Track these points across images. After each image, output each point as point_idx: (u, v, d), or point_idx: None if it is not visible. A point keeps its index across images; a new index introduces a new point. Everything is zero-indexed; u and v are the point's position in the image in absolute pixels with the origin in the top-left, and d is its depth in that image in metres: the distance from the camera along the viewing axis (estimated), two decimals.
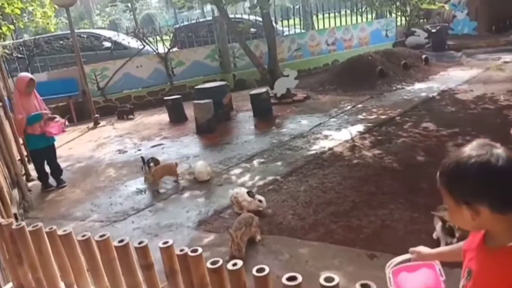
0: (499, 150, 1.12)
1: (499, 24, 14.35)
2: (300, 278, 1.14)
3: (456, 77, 9.65)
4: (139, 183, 5.32)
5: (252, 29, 12.06)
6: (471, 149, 1.16)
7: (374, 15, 15.22)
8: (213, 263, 1.26)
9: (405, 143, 5.55)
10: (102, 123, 8.96)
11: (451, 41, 13.71)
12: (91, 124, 8.88)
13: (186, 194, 4.79)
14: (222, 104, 7.97)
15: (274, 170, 5.20)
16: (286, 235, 3.64)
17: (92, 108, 9.09)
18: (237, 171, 5.37)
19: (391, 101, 8.10)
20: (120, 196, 5.00)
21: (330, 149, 5.68)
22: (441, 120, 6.37)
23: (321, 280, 1.09)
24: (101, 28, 26.45)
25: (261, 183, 4.86)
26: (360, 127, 6.57)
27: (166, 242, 1.40)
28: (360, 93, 8.97)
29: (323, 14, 13.59)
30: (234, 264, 1.23)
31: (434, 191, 4.16)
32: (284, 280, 1.14)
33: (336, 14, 13.38)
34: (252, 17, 12.68)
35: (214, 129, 7.26)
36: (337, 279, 1.08)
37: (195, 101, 7.51)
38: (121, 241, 1.44)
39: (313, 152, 5.66)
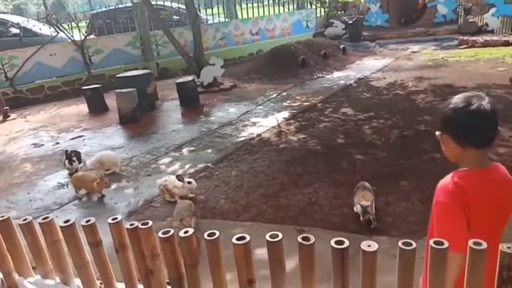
0: (475, 101, 1.41)
1: (407, 17, 15.61)
2: (248, 238, 1.23)
3: (370, 66, 10.37)
4: (60, 177, 5.03)
5: (175, 17, 11.83)
6: (457, 97, 1.47)
7: (295, 5, 15.72)
8: (164, 233, 1.31)
9: (327, 127, 5.88)
10: (13, 115, 8.26)
11: (366, 32, 14.64)
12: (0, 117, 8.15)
13: (113, 186, 4.63)
14: (147, 93, 7.77)
15: (205, 157, 5.23)
16: (219, 218, 3.71)
17: (1, 99, 8.32)
18: (166, 160, 5.31)
19: (313, 89, 8.48)
20: (39, 191, 4.70)
21: (258, 135, 5.84)
22: (358, 106, 6.83)
23: (267, 237, 1.19)
24: (4, 13, 24.08)
25: (192, 170, 4.86)
26: (285, 114, 6.82)
27: (115, 218, 1.40)
28: (284, 82, 9.27)
29: (247, 4, 13.73)
30: (186, 232, 1.29)
31: (353, 170, 4.49)
32: (234, 240, 1.22)
33: (259, 4, 13.59)
34: (174, 4, 12.42)
35: (139, 119, 7.07)
36: (280, 235, 1.19)
37: (118, 90, 7.23)
38: (67, 221, 1.43)
39: (242, 138, 5.77)
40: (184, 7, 10.40)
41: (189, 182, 4.08)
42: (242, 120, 6.67)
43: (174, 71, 10.92)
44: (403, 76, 8.77)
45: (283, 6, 15.13)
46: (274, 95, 8.24)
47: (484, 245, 1.06)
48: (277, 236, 1.23)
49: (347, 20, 14.92)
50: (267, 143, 5.48)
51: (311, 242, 1.22)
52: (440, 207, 1.44)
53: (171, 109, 7.78)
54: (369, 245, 1.15)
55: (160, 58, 11.23)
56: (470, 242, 1.07)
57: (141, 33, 10.95)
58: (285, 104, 7.51)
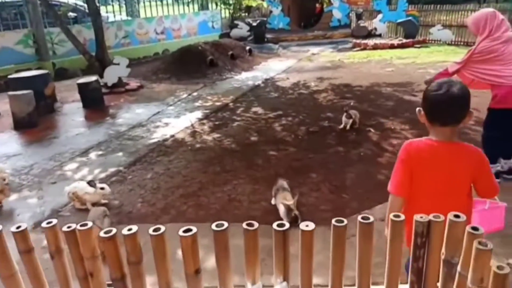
0: (445, 87, 1.73)
1: (306, 21, 16.56)
2: (195, 229, 1.27)
3: (275, 67, 10.82)
4: None
5: (71, 14, 11.07)
6: (435, 82, 1.81)
7: (199, 5, 15.71)
8: (106, 232, 1.31)
9: (240, 126, 6.03)
10: None
11: (269, 34, 15.20)
12: None
13: (14, 197, 4.22)
14: (44, 95, 7.16)
15: (116, 161, 5.01)
16: (137, 222, 3.60)
17: None
18: (72, 166, 4.98)
19: (223, 89, 8.60)
20: None
21: (172, 136, 5.77)
22: (267, 105, 7.11)
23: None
24: None
25: (103, 175, 4.63)
26: (198, 114, 6.83)
27: (50, 222, 1.34)
28: (193, 82, 9.25)
29: (150, 2, 13.38)
30: (129, 229, 1.27)
31: (268, 165, 4.67)
32: (181, 233, 1.24)
33: (162, 2, 13.33)
34: (71, 1, 11.61)
35: (36, 123, 6.50)
36: (226, 225, 1.25)
37: (10, 93, 6.56)
38: None
39: (155, 140, 5.65)
40: (81, 3, 9.78)
41: (102, 188, 3.89)
42: (153, 121, 6.52)
43: (73, 71, 10.22)
44: (305, 76, 9.32)
45: (187, 5, 15.04)
46: (185, 95, 8.18)
47: (402, 217, 1.23)
48: (223, 225, 1.28)
49: (251, 22, 15.35)
50: (182, 144, 5.45)
51: (255, 227, 1.30)
52: (397, 159, 1.88)
53: (73, 112, 7.29)
54: (307, 225, 1.27)
55: (57, 58, 10.42)
56: (391, 215, 1.25)
57: (34, 30, 10.03)
58: (196, 104, 7.51)
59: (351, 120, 5.50)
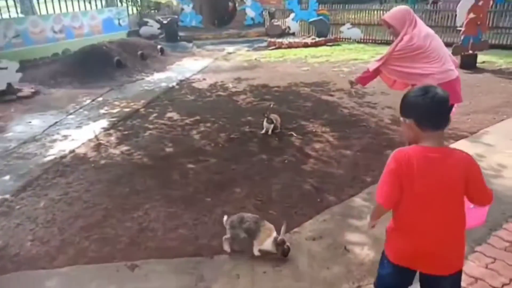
0: (432, 91, 1.69)
1: (219, 19, 16.13)
2: None
3: (190, 67, 10.27)
4: None
5: None
6: (416, 88, 1.76)
7: (103, 2, 14.52)
8: None
9: (153, 136, 5.44)
10: None
11: (182, 32, 14.53)
12: None
13: None
14: None
15: (1, 187, 4.16)
16: (26, 269, 2.91)
17: None
18: None
19: (132, 93, 7.87)
20: None
21: (72, 151, 5.00)
22: (183, 109, 6.58)
23: None
24: None
25: None
26: (103, 123, 6.07)
27: None
28: (99, 85, 8.36)
29: None
30: None
31: (186, 181, 4.19)
32: None
33: None
34: None
35: None
36: None
37: None
38: None
39: (51, 157, 4.84)
40: None
41: None
42: (49, 134, 5.64)
43: None
44: (223, 77, 8.92)
45: (89, 2, 13.78)
46: (88, 101, 7.31)
47: None
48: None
49: (162, 19, 14.54)
50: (84, 161, 4.72)
51: None
52: (385, 168, 1.78)
53: None
54: None
55: None
56: None
57: None
58: (102, 111, 6.71)
59: (272, 125, 5.22)
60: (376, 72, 4.00)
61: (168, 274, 2.78)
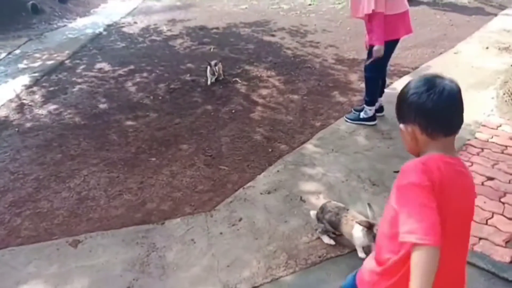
0: (439, 84, 1.21)
1: None
2: None
3: (118, 9, 9.35)
4: None
5: None
6: (415, 81, 1.27)
7: None
8: None
9: (83, 91, 4.92)
10: None
11: None
12: None
13: None
14: None
15: None
16: None
17: None
18: None
19: (55, 42, 7.03)
20: None
21: None
22: (114, 58, 6.00)
23: None
24: None
25: None
26: (24, 79, 5.38)
27: None
28: (13, 36, 7.38)
29: None
30: None
31: (126, 141, 3.87)
32: None
33: None
34: None
35: None
36: None
37: None
38: None
39: None
40: None
41: None
42: None
43: None
44: (155, 19, 8.22)
45: None
46: (3, 54, 6.43)
47: None
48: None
49: None
50: (6, 125, 4.17)
51: None
52: (407, 189, 1.16)
53: None
54: None
55: None
56: None
57: None
58: (21, 66, 5.94)
59: (216, 75, 4.89)
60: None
61: (116, 246, 2.56)
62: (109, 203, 2.96)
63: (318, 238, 2.54)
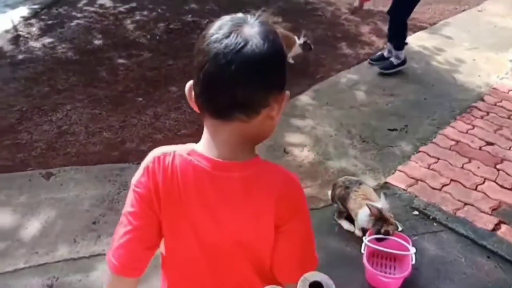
0: (241, 32, 0.78)
1: None
2: None
3: None
4: None
5: None
6: (221, 19, 0.83)
7: None
8: None
9: (81, 26, 4.74)
10: None
11: None
12: None
13: None
14: None
15: None
16: None
17: None
18: None
19: None
20: None
21: None
22: None
23: None
24: None
25: None
26: (24, 11, 5.21)
27: None
28: None
29: None
30: None
31: (115, 79, 3.74)
32: None
33: None
34: None
35: None
36: None
37: None
38: None
39: None
40: None
41: None
42: None
43: None
44: None
45: None
46: None
47: None
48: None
49: None
50: None
51: None
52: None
53: None
54: None
55: None
56: None
57: None
58: None
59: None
60: None
61: (87, 182, 2.51)
62: (88, 139, 2.89)
63: None
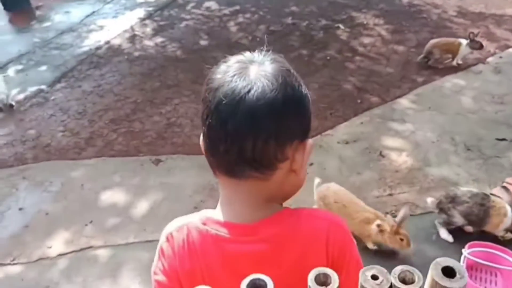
0: (246, 75, 0.67)
1: None
2: None
3: None
4: None
5: None
6: (226, 60, 0.75)
7: None
8: None
9: (189, 27, 5.12)
10: None
11: None
12: None
13: None
14: None
15: (38, 78, 4.18)
16: (56, 158, 2.99)
17: None
18: None
19: None
20: None
21: (107, 42, 4.85)
22: None
23: None
24: None
25: (21, 97, 3.85)
26: (140, 12, 5.78)
27: None
28: None
29: None
30: None
31: None
32: None
33: None
34: None
35: None
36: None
37: None
38: None
39: (87, 48, 4.74)
40: None
41: None
42: (86, 24, 5.49)
43: None
44: None
45: None
46: None
47: None
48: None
49: None
50: (118, 52, 4.58)
51: None
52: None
53: None
54: None
55: None
56: None
57: None
58: (139, 0, 6.38)
59: None
60: None
61: (191, 169, 2.73)
62: (193, 131, 3.13)
63: (390, 194, 2.38)
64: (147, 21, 5.43)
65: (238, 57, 0.72)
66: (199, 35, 4.88)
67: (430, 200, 2.19)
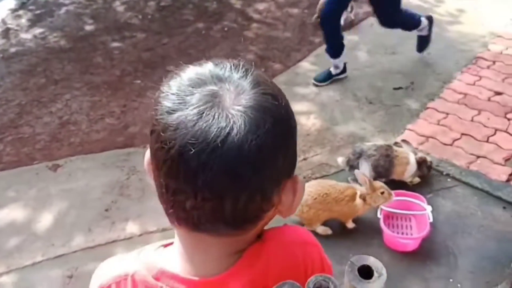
0: (207, 116, 0.47)
1: None
2: None
3: None
4: None
5: None
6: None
7: None
8: None
9: (70, 13, 4.63)
10: None
11: None
12: None
13: None
14: None
15: None
16: None
17: None
18: None
19: None
20: None
21: None
22: None
23: None
24: None
25: None
26: (10, 3, 5.07)
27: None
28: None
29: None
30: None
31: (111, 63, 3.67)
32: None
33: None
34: None
35: None
36: None
37: None
38: None
39: None
40: None
41: None
42: None
43: None
44: None
45: None
46: None
47: None
48: None
49: None
50: None
51: None
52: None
53: None
54: None
55: None
56: None
57: None
58: None
59: None
60: None
61: (95, 170, 2.50)
62: (91, 127, 2.86)
63: (304, 159, 2.41)
64: (21, 12, 4.80)
65: (199, 72, 0.51)
66: (83, 20, 4.43)
67: (340, 159, 2.23)
